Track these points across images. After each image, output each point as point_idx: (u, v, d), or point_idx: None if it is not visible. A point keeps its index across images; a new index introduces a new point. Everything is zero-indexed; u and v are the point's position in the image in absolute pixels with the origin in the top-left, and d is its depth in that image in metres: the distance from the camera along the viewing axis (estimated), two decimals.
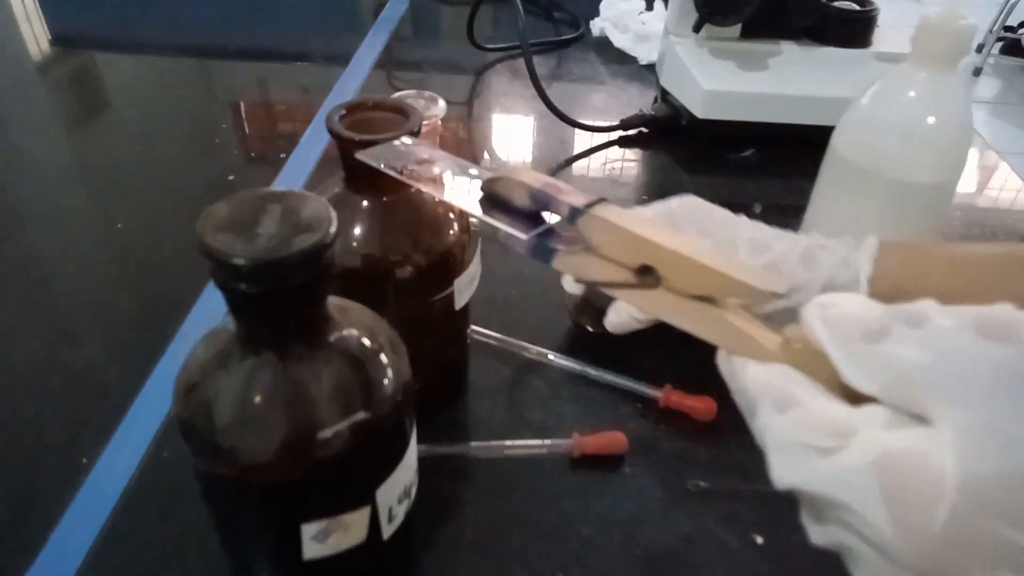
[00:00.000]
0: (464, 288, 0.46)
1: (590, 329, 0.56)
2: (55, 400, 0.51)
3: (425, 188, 0.35)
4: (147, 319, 0.57)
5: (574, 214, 0.31)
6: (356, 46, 1.00)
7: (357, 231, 0.44)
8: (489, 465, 0.47)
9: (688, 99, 0.78)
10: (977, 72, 3.13)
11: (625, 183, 0.77)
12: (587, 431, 0.48)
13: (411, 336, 0.46)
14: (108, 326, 0.57)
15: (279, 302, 0.30)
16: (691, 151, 0.81)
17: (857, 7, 0.82)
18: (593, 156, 0.81)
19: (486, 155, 0.82)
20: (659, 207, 0.52)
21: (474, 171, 0.36)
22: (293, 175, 0.73)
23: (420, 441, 0.46)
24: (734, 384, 0.28)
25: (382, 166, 0.37)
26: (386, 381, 0.34)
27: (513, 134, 0.86)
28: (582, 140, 0.83)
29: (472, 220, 0.46)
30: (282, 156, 0.77)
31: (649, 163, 0.81)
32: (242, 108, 0.91)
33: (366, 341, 0.35)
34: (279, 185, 0.72)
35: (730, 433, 0.49)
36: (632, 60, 0.99)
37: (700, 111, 0.76)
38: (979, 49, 3.09)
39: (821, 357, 0.25)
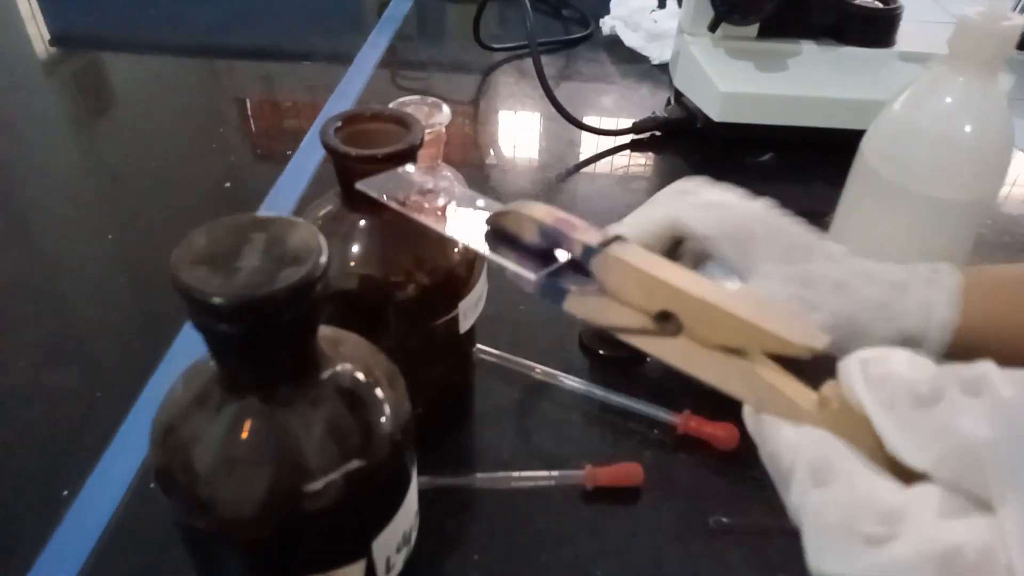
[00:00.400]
0: (469, 310, 0.43)
1: (601, 352, 0.53)
2: (36, 427, 0.48)
3: (428, 222, 0.32)
4: (135, 338, 0.54)
5: (588, 253, 0.28)
6: (359, 45, 0.97)
7: (354, 250, 0.41)
8: (496, 498, 0.44)
9: (703, 101, 0.75)
10: None
11: (636, 189, 0.74)
12: (600, 461, 0.45)
13: (412, 362, 0.43)
14: (95, 346, 0.54)
15: (263, 343, 0.27)
16: (706, 155, 0.78)
17: (880, 5, 0.78)
18: (603, 160, 0.78)
19: (491, 153, 0.79)
20: (728, 215, 0.46)
21: (481, 203, 0.33)
22: (293, 181, 0.70)
23: (422, 472, 0.43)
24: (764, 446, 0.25)
25: (383, 197, 0.34)
26: (383, 423, 0.31)
27: (520, 137, 0.83)
28: (592, 143, 0.80)
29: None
30: (288, 153, 0.75)
31: (662, 167, 0.78)
32: (243, 109, 0.88)
33: (361, 378, 0.32)
34: (278, 191, 0.69)
35: (754, 463, 0.45)
36: (644, 60, 0.96)
37: (716, 114, 0.73)
38: None
39: (862, 421, 0.23)
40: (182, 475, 0.29)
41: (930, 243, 0.51)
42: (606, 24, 1.01)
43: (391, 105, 0.52)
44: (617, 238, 0.29)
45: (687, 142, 0.79)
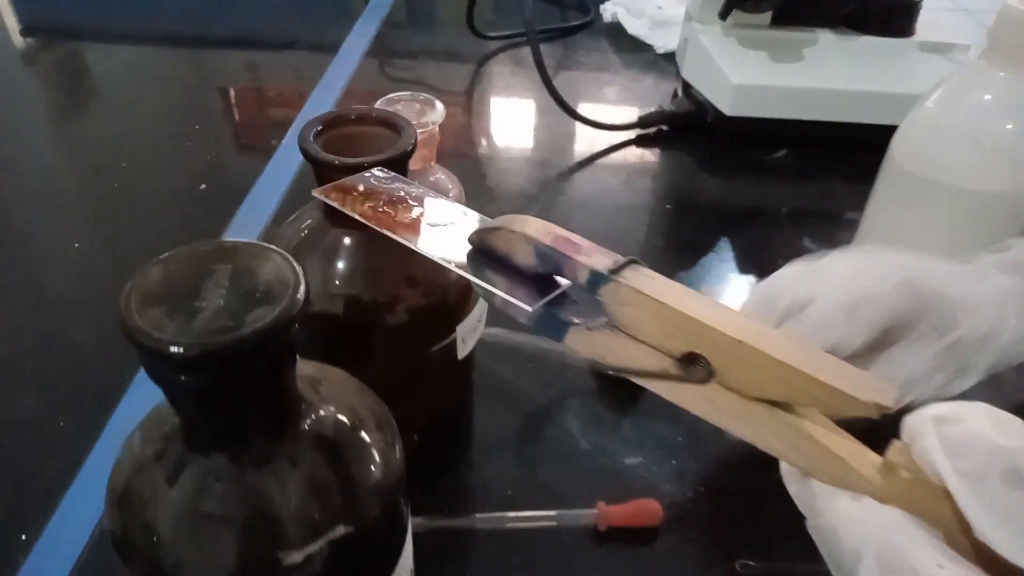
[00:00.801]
0: (469, 333, 0.39)
1: (610, 373, 0.48)
2: None
3: (398, 237, 0.28)
4: (102, 359, 0.50)
5: (596, 281, 0.24)
6: (345, 33, 0.92)
7: (339, 267, 0.36)
8: (497, 540, 0.40)
9: (714, 94, 0.71)
10: None
11: (642, 189, 0.70)
12: (613, 497, 0.41)
13: (405, 394, 0.39)
14: (57, 367, 0.49)
15: (229, 396, 0.23)
16: (716, 151, 0.73)
17: None
18: (606, 157, 0.73)
19: (486, 148, 0.75)
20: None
21: (464, 214, 0.29)
22: (272, 183, 0.66)
23: (416, 512, 0.39)
24: (815, 519, 0.21)
25: (345, 207, 0.30)
26: (373, 479, 0.27)
27: (517, 131, 0.78)
28: (594, 138, 0.75)
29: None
30: (273, 143, 0.70)
31: (669, 164, 0.73)
32: (222, 103, 0.83)
33: (347, 426, 0.28)
34: (256, 194, 0.64)
35: (786, 494, 0.42)
36: (648, 48, 0.91)
37: (728, 107, 0.69)
38: None
39: (939, 495, 0.19)
40: (140, 544, 0.25)
41: (969, 242, 0.47)
42: (607, 10, 0.96)
43: (380, 102, 0.48)
44: (631, 262, 0.24)
45: (696, 137, 0.75)
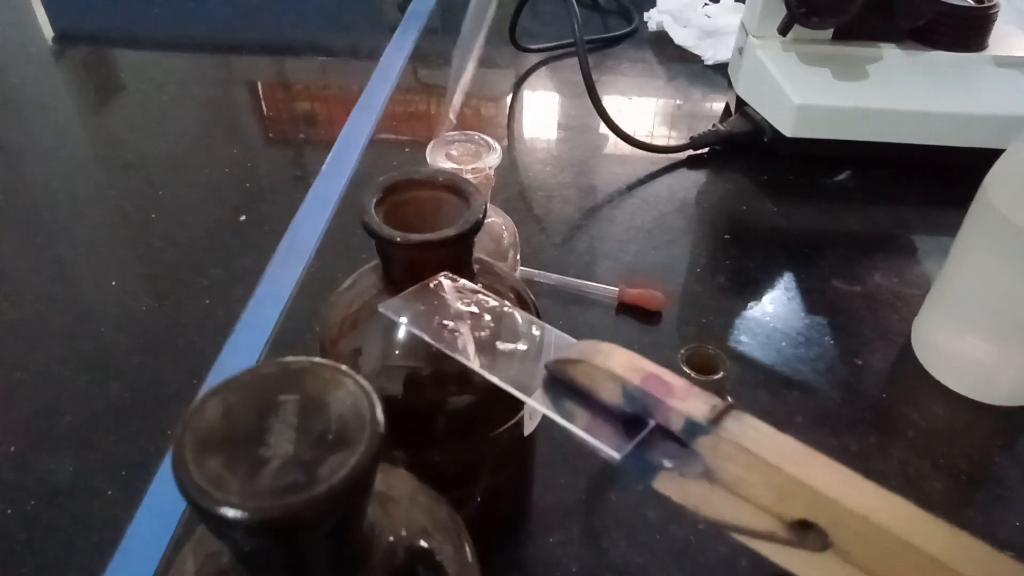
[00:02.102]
0: (535, 409, 0.36)
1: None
2: (28, 531, 0.41)
3: (466, 361, 0.25)
4: (140, 415, 0.47)
5: (693, 431, 0.21)
6: (380, 43, 0.89)
7: (399, 337, 0.34)
8: None
9: (773, 114, 0.67)
10: None
11: (697, 217, 0.66)
12: None
13: (465, 477, 0.36)
14: (94, 424, 0.47)
15: (297, 552, 0.20)
16: (775, 174, 0.69)
17: (973, 2, 0.69)
18: (657, 180, 0.70)
19: (527, 165, 0.71)
20: None
21: (538, 332, 0.26)
22: (315, 211, 0.63)
23: None
24: None
25: (410, 324, 0.27)
26: None
27: (560, 153, 0.75)
28: (642, 158, 0.72)
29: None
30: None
31: (724, 188, 0.69)
32: (260, 128, 0.80)
33: (421, 550, 0.25)
34: (298, 225, 0.61)
35: None
36: (695, 59, 0.87)
37: (789, 129, 0.65)
38: None
39: None
40: None
41: None
42: (652, 19, 0.92)
43: (433, 144, 0.45)
44: (729, 408, 0.21)
45: (752, 158, 0.71)
